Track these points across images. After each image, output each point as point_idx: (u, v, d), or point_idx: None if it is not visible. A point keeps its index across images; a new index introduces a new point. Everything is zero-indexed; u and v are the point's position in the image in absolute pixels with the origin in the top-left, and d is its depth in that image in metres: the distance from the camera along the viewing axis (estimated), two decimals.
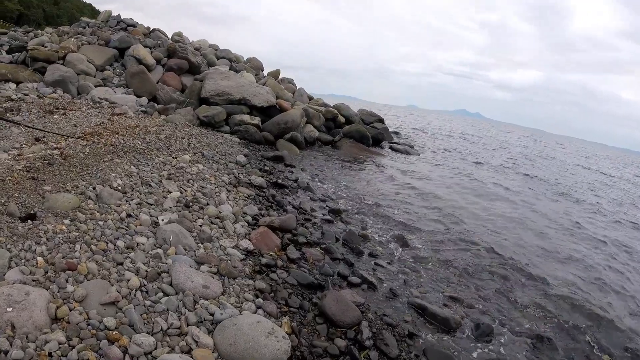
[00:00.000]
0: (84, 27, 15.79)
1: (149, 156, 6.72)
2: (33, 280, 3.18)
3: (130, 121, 8.87)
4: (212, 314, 3.40)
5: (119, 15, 16.80)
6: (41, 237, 3.76)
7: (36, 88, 10.81)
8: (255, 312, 3.65)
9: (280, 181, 8.19)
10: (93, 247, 3.85)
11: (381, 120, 19.33)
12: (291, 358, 3.28)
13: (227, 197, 6.33)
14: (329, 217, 6.98)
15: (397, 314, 4.53)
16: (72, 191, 4.73)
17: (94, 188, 4.96)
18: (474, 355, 4.19)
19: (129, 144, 6.88)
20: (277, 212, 6.48)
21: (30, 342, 2.67)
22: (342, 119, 16.42)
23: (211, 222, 5.28)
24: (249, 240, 5.17)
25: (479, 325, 4.63)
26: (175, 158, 7.16)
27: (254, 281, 4.23)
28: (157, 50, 14.72)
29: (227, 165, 8.02)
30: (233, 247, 4.84)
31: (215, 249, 4.66)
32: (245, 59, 19.39)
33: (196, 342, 3.05)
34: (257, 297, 3.96)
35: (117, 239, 4.13)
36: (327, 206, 7.71)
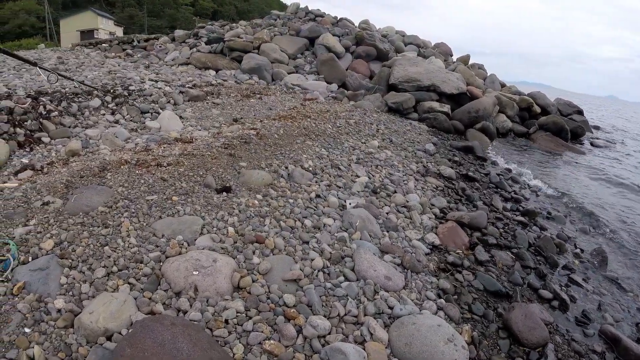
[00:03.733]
0: (275, 19, 16.99)
1: (338, 140, 6.72)
2: (222, 248, 3.28)
3: (321, 106, 9.06)
4: (391, 308, 3.16)
5: (306, 7, 17.72)
6: (234, 209, 3.89)
7: (234, 75, 11.94)
8: (435, 313, 3.30)
9: (470, 174, 7.49)
10: (282, 223, 3.88)
11: (580, 112, 17.12)
12: None
13: (415, 186, 5.96)
14: (522, 219, 6.14)
15: (587, 341, 3.81)
16: (266, 169, 4.88)
17: (286, 167, 5.08)
18: None
19: (320, 128, 6.96)
20: (466, 207, 5.94)
21: (210, 306, 2.73)
22: (538, 109, 14.70)
23: (397, 211, 5.00)
24: (435, 234, 4.77)
25: None
26: (364, 143, 7.06)
27: (438, 279, 3.86)
28: (345, 38, 15.08)
29: (415, 153, 7.64)
30: (418, 240, 4.51)
31: (400, 239, 4.38)
32: (433, 44, 18.69)
33: (371, 334, 2.84)
34: (440, 297, 3.60)
35: (305, 217, 4.10)
36: (520, 206, 6.82)
